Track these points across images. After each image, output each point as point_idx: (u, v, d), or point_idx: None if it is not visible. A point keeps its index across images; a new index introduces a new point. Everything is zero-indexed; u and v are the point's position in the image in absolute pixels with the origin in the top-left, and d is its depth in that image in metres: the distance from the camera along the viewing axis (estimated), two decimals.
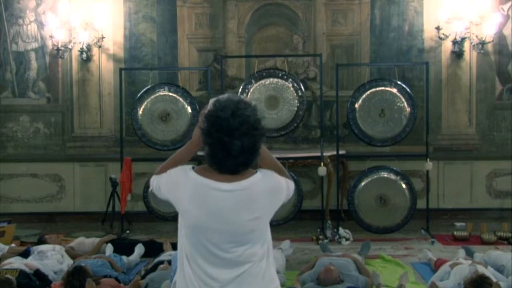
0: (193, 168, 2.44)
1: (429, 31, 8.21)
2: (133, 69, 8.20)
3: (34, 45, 8.38)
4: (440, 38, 8.14)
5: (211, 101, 2.38)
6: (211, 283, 2.38)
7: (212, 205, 2.36)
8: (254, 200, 2.39)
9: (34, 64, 8.38)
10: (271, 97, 7.67)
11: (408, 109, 7.44)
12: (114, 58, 8.33)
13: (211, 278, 2.38)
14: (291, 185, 2.56)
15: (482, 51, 8.14)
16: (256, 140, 2.36)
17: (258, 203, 2.40)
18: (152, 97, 7.76)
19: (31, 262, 5.62)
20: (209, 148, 2.36)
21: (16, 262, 5.53)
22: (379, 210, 7.48)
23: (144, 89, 7.79)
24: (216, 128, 2.31)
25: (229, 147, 2.30)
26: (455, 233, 7.21)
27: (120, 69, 7.90)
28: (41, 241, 6.53)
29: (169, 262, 5.34)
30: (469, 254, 5.98)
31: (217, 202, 2.36)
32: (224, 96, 2.40)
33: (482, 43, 8.04)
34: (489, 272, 5.07)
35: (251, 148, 2.35)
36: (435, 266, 5.76)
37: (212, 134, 2.32)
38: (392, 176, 7.52)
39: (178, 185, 2.43)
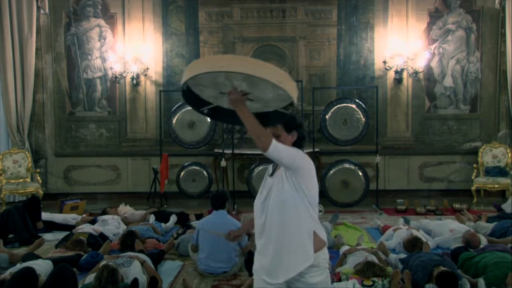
0: None
1: (378, 64, 8.17)
2: (169, 91, 8.17)
3: (99, 74, 8.34)
4: (386, 69, 8.11)
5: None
6: None
7: None
8: None
9: (99, 87, 8.35)
10: None
11: (363, 119, 7.43)
12: (156, 83, 8.31)
13: None
14: None
15: (415, 78, 8.12)
16: None
17: None
18: (182, 110, 7.74)
19: (97, 227, 5.62)
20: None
21: (86, 227, 5.54)
22: (343, 191, 7.47)
23: (177, 105, 7.78)
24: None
25: None
26: (397, 207, 7.22)
27: (160, 91, 7.91)
28: (104, 213, 6.53)
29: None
30: (406, 222, 5.98)
31: None
32: None
33: (416, 73, 8.02)
34: (420, 234, 5.07)
35: None
36: (382, 230, 5.76)
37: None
38: (352, 167, 7.51)
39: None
